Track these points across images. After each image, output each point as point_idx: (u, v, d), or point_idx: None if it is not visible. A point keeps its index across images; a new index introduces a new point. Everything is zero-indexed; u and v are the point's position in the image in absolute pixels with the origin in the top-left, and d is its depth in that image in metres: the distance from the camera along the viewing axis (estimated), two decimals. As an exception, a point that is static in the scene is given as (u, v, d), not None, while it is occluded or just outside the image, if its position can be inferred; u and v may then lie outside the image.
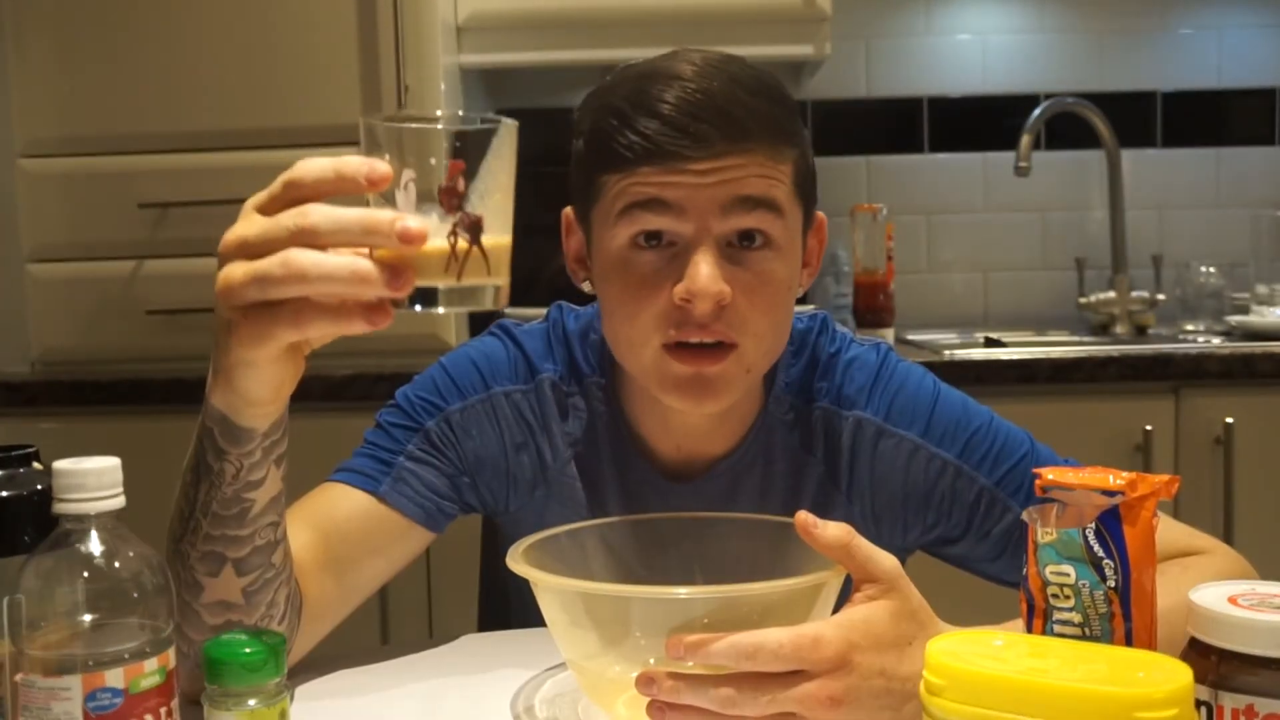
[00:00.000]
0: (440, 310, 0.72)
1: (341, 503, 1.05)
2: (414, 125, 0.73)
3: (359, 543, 1.04)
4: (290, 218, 0.71)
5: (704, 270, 0.93)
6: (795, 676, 0.75)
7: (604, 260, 1.00)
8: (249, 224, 0.73)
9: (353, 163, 0.70)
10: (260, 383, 0.78)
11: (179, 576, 0.87)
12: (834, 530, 0.79)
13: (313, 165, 0.72)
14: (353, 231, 0.69)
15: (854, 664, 0.75)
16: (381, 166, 0.70)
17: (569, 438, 1.11)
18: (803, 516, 0.80)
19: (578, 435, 1.10)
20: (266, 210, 0.73)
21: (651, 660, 0.78)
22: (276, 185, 0.73)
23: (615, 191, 0.97)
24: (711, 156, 0.94)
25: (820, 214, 1.08)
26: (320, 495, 1.05)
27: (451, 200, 0.71)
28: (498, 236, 0.72)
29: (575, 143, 1.02)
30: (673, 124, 0.93)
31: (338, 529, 1.03)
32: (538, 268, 2.19)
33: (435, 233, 0.69)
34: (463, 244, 0.70)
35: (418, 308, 0.72)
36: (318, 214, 0.70)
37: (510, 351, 1.12)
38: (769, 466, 1.09)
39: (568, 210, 1.07)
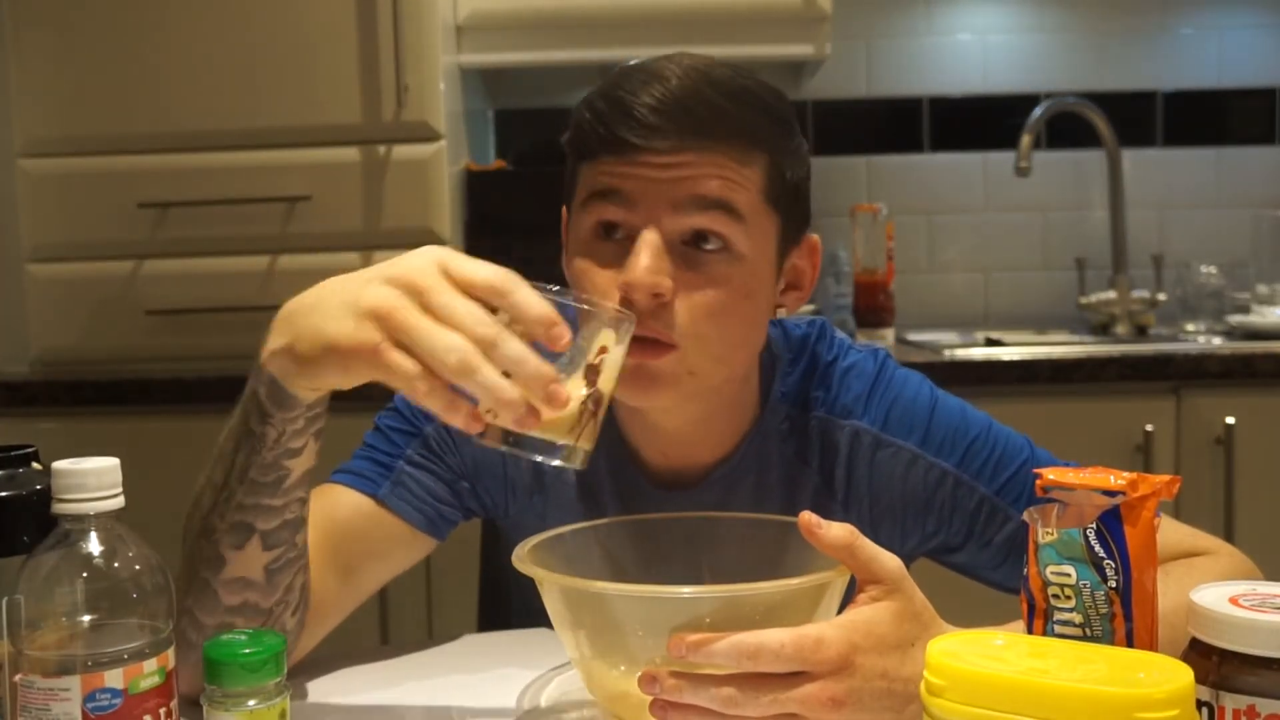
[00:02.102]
0: (554, 462, 0.81)
1: (342, 504, 1.05)
2: (589, 307, 0.83)
3: (359, 545, 1.04)
4: (484, 328, 0.75)
5: (640, 261, 0.93)
6: (798, 677, 0.75)
7: (572, 250, 1.01)
8: (436, 286, 0.76)
9: (550, 318, 0.76)
10: (336, 378, 0.81)
11: (201, 553, 0.89)
12: (837, 530, 0.79)
13: (526, 294, 0.76)
14: (519, 371, 0.74)
15: (856, 665, 0.75)
16: (567, 336, 0.76)
17: None
18: (806, 517, 0.80)
19: None
20: (459, 286, 0.76)
21: (656, 660, 0.78)
22: (481, 277, 0.76)
23: (583, 181, 0.99)
24: (669, 151, 0.93)
25: (813, 236, 1.06)
26: (321, 496, 1.05)
27: (592, 377, 0.81)
28: (604, 407, 0.82)
29: (564, 138, 1.03)
30: (633, 116, 0.93)
31: (339, 529, 1.03)
32: (536, 268, 2.18)
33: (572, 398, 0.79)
34: (588, 415, 0.81)
35: (539, 458, 0.80)
36: (508, 343, 0.75)
37: None
38: (763, 476, 1.08)
39: (565, 207, 1.07)
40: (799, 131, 1.03)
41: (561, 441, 0.79)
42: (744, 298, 0.97)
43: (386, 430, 1.10)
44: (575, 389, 0.79)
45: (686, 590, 0.78)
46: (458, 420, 0.76)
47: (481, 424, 0.77)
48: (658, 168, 0.94)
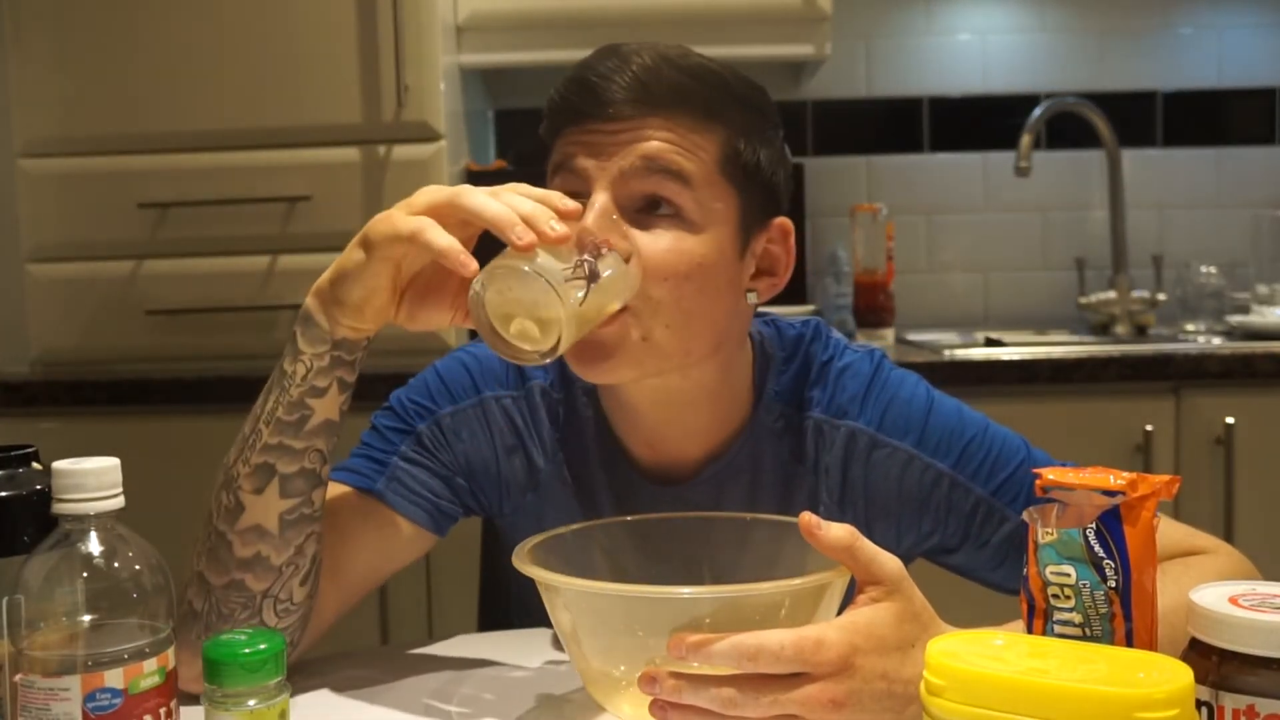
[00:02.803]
0: (532, 340, 0.87)
1: (339, 499, 1.05)
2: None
3: (357, 540, 1.04)
4: (499, 188, 0.89)
5: (588, 218, 0.94)
6: (798, 678, 0.75)
7: None
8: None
9: (559, 195, 0.90)
10: (363, 279, 0.89)
11: (220, 507, 0.94)
12: (837, 531, 0.79)
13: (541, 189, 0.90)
14: (522, 204, 0.86)
15: (856, 666, 0.75)
16: (574, 204, 0.90)
17: (559, 443, 1.10)
18: (806, 518, 0.80)
19: (568, 440, 1.10)
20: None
21: (656, 660, 0.78)
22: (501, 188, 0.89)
23: (551, 157, 1.02)
24: (619, 119, 0.96)
25: (785, 221, 1.05)
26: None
27: (594, 251, 0.89)
28: (592, 306, 0.88)
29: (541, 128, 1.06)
30: (587, 86, 0.98)
31: (337, 524, 1.03)
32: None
33: (568, 254, 0.87)
34: (580, 275, 0.86)
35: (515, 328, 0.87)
36: (519, 196, 0.88)
37: (501, 361, 1.12)
38: (757, 475, 1.08)
39: None
40: (774, 122, 1.03)
41: (550, 280, 0.83)
42: (697, 266, 0.97)
43: (381, 429, 1.11)
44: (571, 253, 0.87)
45: (686, 590, 0.78)
46: (454, 261, 0.84)
47: (473, 270, 0.84)
48: (609, 134, 0.97)
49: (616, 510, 1.07)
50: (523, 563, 0.85)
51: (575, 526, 0.96)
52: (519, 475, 1.11)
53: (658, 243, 0.96)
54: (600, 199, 0.95)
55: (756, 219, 1.02)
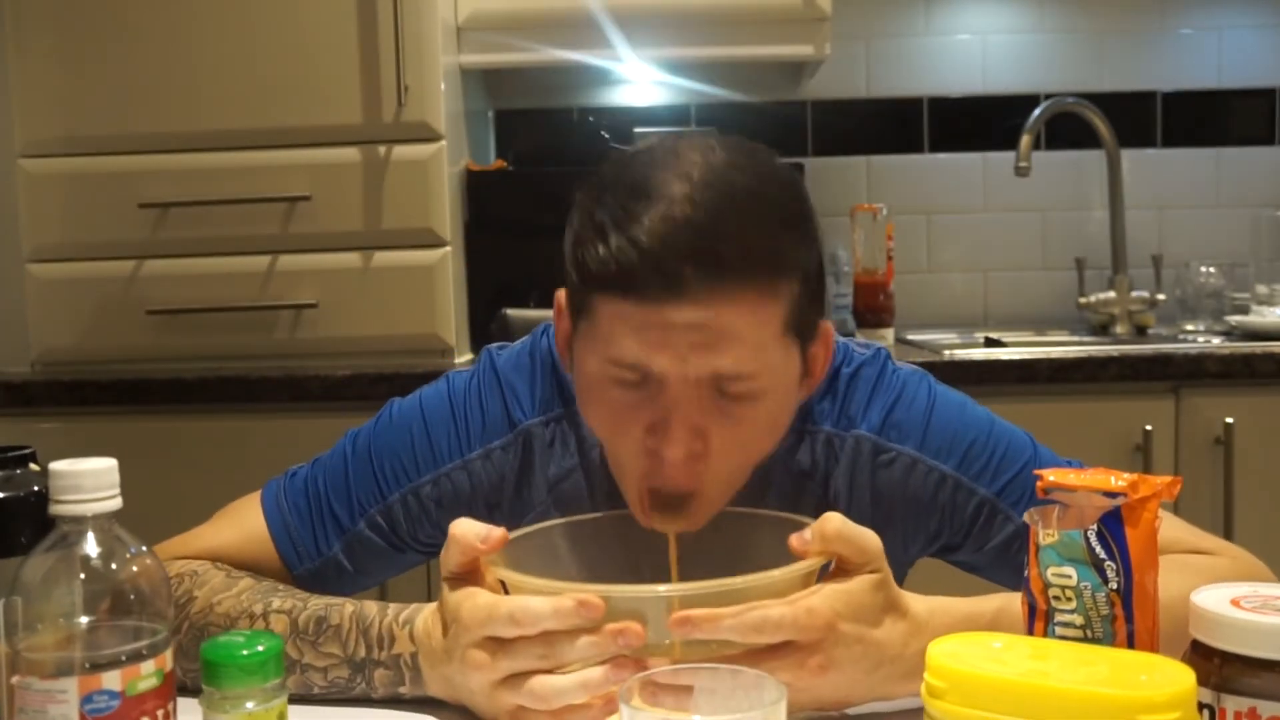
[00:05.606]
0: None
1: (262, 552, 1.08)
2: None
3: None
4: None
5: (673, 453, 0.89)
6: (783, 648, 0.79)
7: (583, 375, 0.95)
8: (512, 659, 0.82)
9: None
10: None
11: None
12: (828, 529, 0.83)
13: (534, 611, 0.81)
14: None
15: (840, 632, 0.80)
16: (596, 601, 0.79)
17: (553, 479, 1.08)
18: (793, 541, 0.84)
19: (565, 469, 1.08)
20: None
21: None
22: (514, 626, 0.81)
23: (598, 314, 0.91)
24: (690, 303, 0.86)
25: (826, 324, 1.00)
26: (252, 517, 1.09)
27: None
28: None
29: (567, 230, 0.94)
30: (650, 259, 0.85)
31: (264, 571, 1.06)
32: (536, 268, 2.18)
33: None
34: None
35: None
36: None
37: (490, 404, 1.09)
38: (765, 488, 1.06)
39: (560, 294, 0.99)
40: (812, 211, 0.96)
41: None
42: (769, 423, 0.95)
43: (350, 480, 1.09)
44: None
45: (690, 586, 0.79)
46: None
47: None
48: (684, 329, 0.87)
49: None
50: (494, 563, 0.85)
51: (545, 524, 0.96)
52: (503, 524, 1.08)
53: (735, 426, 0.91)
54: (684, 419, 0.89)
55: (810, 339, 0.97)
